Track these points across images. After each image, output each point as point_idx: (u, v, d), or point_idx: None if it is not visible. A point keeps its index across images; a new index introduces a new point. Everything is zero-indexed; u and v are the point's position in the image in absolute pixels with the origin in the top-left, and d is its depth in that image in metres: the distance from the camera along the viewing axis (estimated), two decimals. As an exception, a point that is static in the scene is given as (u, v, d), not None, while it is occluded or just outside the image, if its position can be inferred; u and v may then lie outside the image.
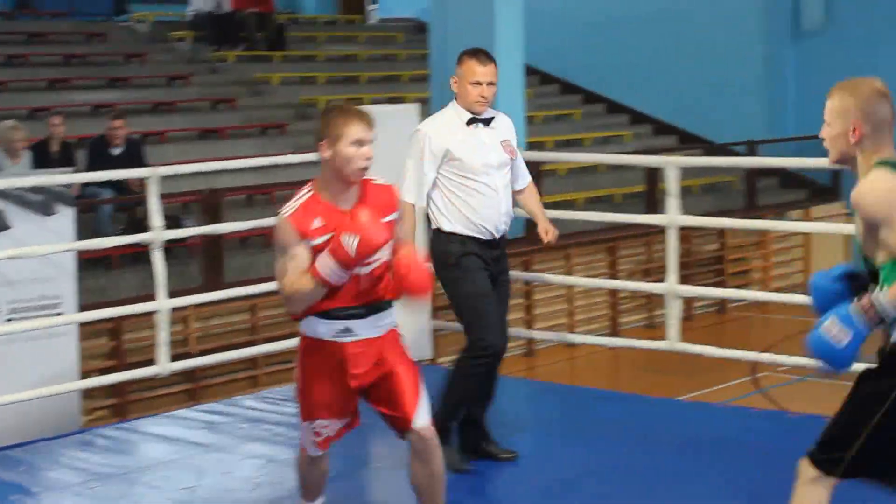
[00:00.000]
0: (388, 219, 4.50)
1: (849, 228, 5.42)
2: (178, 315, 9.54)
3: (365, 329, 4.50)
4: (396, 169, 7.71)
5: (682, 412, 7.02)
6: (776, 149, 15.66)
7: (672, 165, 7.12)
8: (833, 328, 3.65)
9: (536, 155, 11.02)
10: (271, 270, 11.26)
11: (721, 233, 14.71)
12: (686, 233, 14.21)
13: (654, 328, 12.66)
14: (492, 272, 5.88)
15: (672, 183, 7.10)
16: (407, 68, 18.24)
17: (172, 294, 7.26)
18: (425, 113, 13.20)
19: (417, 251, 4.65)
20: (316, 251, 4.38)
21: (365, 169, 4.45)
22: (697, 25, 18.00)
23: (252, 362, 10.27)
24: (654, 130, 18.52)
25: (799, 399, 9.89)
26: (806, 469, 3.77)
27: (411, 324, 8.02)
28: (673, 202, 7.06)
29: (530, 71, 17.10)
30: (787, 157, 10.64)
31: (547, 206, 13.97)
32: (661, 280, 7.21)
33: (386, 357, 4.54)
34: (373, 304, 4.51)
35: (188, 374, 9.73)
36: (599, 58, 18.74)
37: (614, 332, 13.24)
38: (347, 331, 4.48)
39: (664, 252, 7.15)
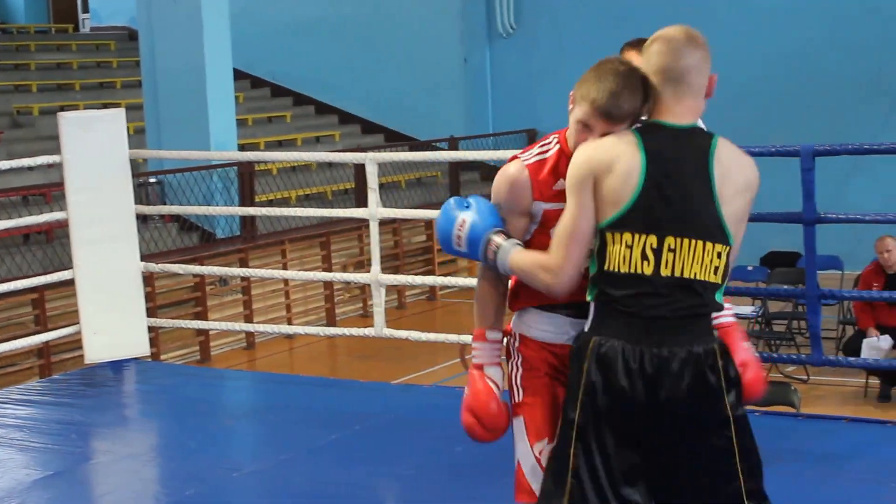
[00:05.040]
0: None
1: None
2: None
3: (574, 329, 3.44)
4: (101, 172, 7.95)
5: (393, 394, 7.05)
6: (476, 144, 16.29)
7: (371, 161, 7.26)
8: (462, 228, 3.52)
9: (249, 155, 11.36)
10: (3, 272, 11.18)
11: (428, 224, 14.95)
12: (397, 225, 14.81)
13: (368, 317, 13.13)
14: None
15: (372, 178, 7.24)
16: (120, 75, 18.33)
17: None
18: (135, 118, 13.50)
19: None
20: (547, 218, 3.43)
21: None
22: (399, 28, 18.38)
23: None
24: (362, 130, 18.89)
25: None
26: None
27: (128, 321, 8.31)
28: (373, 196, 7.19)
29: (241, 75, 17.52)
30: (486, 151, 11.31)
31: (261, 203, 14.46)
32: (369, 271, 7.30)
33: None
34: (581, 303, 3.41)
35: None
36: (307, 61, 19.03)
37: (331, 323, 13.60)
38: (567, 332, 3.48)
39: (373, 244, 7.28)
